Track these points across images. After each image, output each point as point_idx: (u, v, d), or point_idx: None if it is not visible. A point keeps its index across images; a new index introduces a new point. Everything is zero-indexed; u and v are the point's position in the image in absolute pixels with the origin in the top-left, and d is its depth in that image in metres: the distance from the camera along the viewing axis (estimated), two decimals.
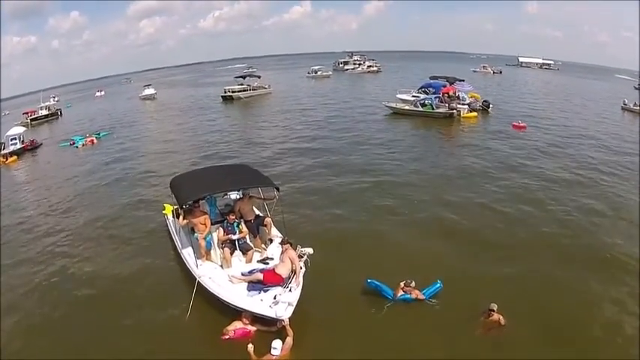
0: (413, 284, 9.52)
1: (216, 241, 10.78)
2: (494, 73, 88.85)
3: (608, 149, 23.84)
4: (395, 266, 10.80)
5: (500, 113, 34.49)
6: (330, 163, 21.68)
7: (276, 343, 7.77)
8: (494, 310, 8.54)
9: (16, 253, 13.61)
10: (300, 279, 9.25)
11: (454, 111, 32.37)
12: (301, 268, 9.52)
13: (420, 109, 33.64)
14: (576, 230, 13.24)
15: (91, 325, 9.34)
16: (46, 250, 13.66)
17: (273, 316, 8.29)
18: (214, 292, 9.22)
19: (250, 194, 11.69)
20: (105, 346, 8.64)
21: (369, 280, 9.73)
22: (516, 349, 7.99)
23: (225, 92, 53.17)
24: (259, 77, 61.66)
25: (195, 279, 9.68)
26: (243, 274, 9.64)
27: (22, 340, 9.14)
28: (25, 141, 33.06)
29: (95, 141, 32.76)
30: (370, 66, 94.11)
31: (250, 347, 7.81)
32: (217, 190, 11.40)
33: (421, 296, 9.44)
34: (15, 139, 32.09)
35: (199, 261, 10.27)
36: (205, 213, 10.93)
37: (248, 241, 11.03)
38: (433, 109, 33.18)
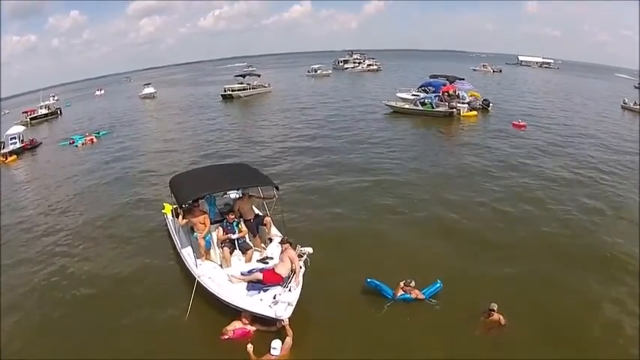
0: (413, 284, 9.51)
1: (215, 241, 10.77)
2: (494, 71, 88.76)
3: (608, 148, 23.84)
4: (395, 266, 10.78)
5: (500, 112, 34.46)
6: (329, 161, 21.67)
7: (276, 343, 7.75)
8: (494, 310, 8.53)
9: (15, 253, 13.60)
10: (300, 278, 9.23)
11: (454, 110, 32.32)
12: (301, 267, 9.50)
13: (420, 107, 33.60)
14: (576, 230, 13.23)
15: (91, 325, 9.33)
16: (46, 250, 13.64)
17: (273, 315, 8.28)
18: (214, 292, 9.20)
19: (250, 193, 11.67)
20: (104, 345, 8.63)
21: (368, 280, 9.72)
22: (516, 349, 7.98)
23: (225, 91, 53.13)
24: (259, 76, 61.54)
25: (195, 279, 9.66)
26: (242, 274, 9.62)
27: (22, 340, 9.12)
28: (24, 140, 33.00)
29: (95, 140, 32.71)
30: (370, 65, 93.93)
31: (250, 347, 7.80)
32: (217, 189, 11.37)
33: (421, 296, 9.43)
34: (14, 138, 32.02)
35: (199, 260, 10.25)
36: (205, 212, 10.92)
37: (247, 240, 11.01)
38: (433, 107, 33.15)
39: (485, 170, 19.50)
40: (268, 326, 8.51)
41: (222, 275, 9.78)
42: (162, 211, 13.66)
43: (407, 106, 34.89)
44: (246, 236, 10.99)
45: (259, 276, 9.16)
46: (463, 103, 33.68)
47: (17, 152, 30.92)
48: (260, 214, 11.96)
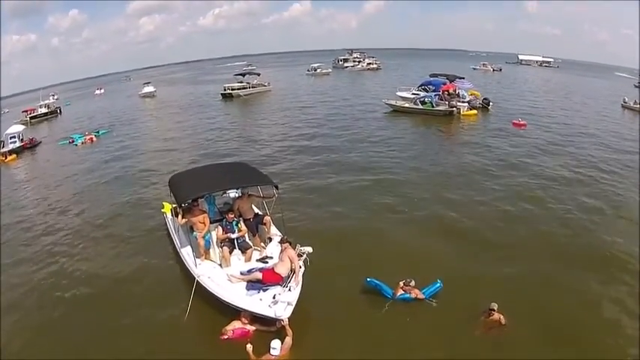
0: (412, 283, 9.49)
1: (215, 240, 10.74)
2: (494, 70, 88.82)
3: (608, 147, 23.81)
4: (395, 265, 10.77)
5: (500, 111, 34.44)
6: (329, 160, 21.65)
7: (275, 343, 7.73)
8: (494, 310, 8.52)
9: (15, 252, 13.58)
10: (300, 278, 9.22)
11: (454, 109, 32.28)
12: (300, 267, 9.49)
13: (420, 106, 33.57)
14: (576, 229, 13.21)
15: (91, 325, 9.31)
16: (46, 249, 13.63)
17: (273, 315, 8.26)
18: (213, 292, 9.18)
19: (249, 192, 11.65)
20: (104, 345, 8.61)
21: (368, 279, 9.71)
22: (516, 349, 7.97)
23: (225, 90, 53.15)
24: (259, 75, 61.49)
25: (194, 278, 9.64)
26: (242, 274, 9.59)
27: (22, 339, 9.10)
28: (24, 139, 32.96)
29: (94, 139, 32.69)
30: (370, 63, 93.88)
31: (249, 347, 7.78)
32: (216, 188, 11.36)
33: (421, 296, 9.41)
34: (14, 137, 31.99)
35: (198, 260, 10.24)
36: (204, 212, 10.89)
37: (247, 239, 10.98)
38: (433, 106, 33.12)
39: (485, 169, 19.49)
40: (268, 326, 8.49)
41: (221, 275, 9.76)
42: (162, 210, 13.68)
43: (407, 105, 34.87)
44: (246, 235, 10.96)
45: (259, 275, 9.14)
46: (463, 102, 33.66)
47: (17, 151, 30.88)
48: (259, 213, 11.94)
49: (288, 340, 7.94)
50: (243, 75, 59.87)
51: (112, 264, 12.20)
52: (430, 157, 22.32)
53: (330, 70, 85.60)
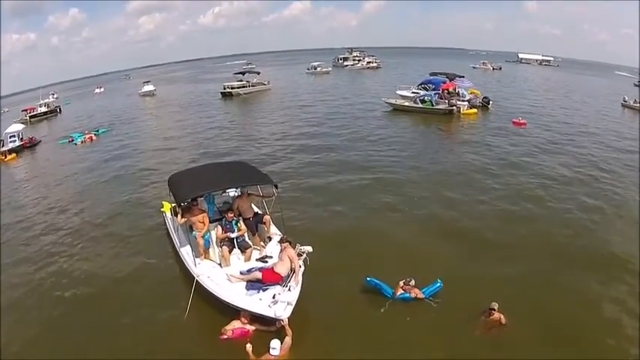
0: (412, 283, 9.47)
1: (214, 240, 10.73)
2: (493, 69, 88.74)
3: (608, 146, 23.77)
4: (394, 264, 10.75)
5: (500, 110, 34.37)
6: (329, 159, 21.62)
7: (275, 343, 7.72)
8: (494, 309, 8.50)
9: (15, 252, 13.57)
10: (300, 278, 9.21)
11: (454, 107, 32.23)
12: (300, 266, 9.48)
13: (420, 105, 33.52)
14: (576, 228, 13.17)
15: (91, 325, 9.30)
16: (46, 249, 13.62)
17: (272, 315, 8.24)
18: (213, 292, 9.17)
19: (249, 192, 11.62)
20: (104, 345, 8.60)
21: (368, 279, 9.69)
22: (516, 349, 7.95)
23: (225, 88, 53.14)
24: (258, 73, 61.47)
25: (194, 278, 9.63)
26: (241, 273, 9.57)
27: (22, 339, 9.08)
28: (23, 138, 32.94)
29: (94, 138, 32.68)
30: (370, 62, 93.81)
31: (249, 347, 7.78)
32: (215, 187, 11.32)
33: (421, 295, 9.39)
34: (14, 136, 31.98)
35: (198, 259, 10.22)
36: (203, 211, 10.86)
37: (247, 239, 10.95)
38: (433, 105, 33.06)
39: (485, 168, 19.46)
40: (267, 326, 8.47)
41: (221, 274, 9.74)
42: (161, 209, 13.69)
43: (407, 104, 34.85)
44: (245, 235, 10.93)
45: (258, 275, 9.12)
46: (463, 100, 33.59)
47: (16, 150, 30.86)
48: (259, 212, 11.92)
49: (288, 340, 7.92)
50: (243, 74, 59.93)
51: (111, 263, 12.19)
52: (430, 155, 22.29)
53: (329, 69, 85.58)
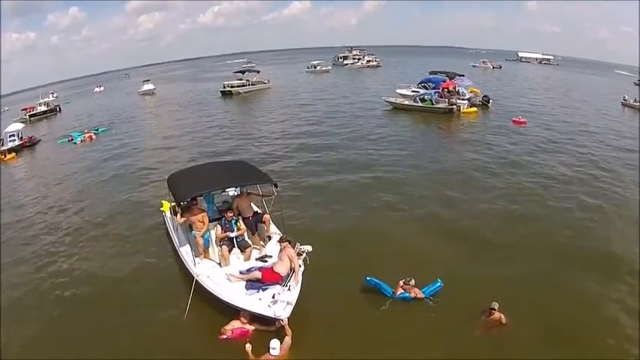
0: (412, 282, 9.45)
1: (214, 239, 10.70)
2: (493, 68, 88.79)
3: (608, 145, 23.76)
4: (394, 263, 10.73)
5: (500, 108, 34.36)
6: (328, 158, 21.60)
7: (275, 343, 7.70)
8: (495, 309, 8.49)
9: (15, 252, 13.56)
10: (299, 277, 9.19)
11: (454, 106, 32.20)
12: (300, 266, 9.46)
13: (420, 104, 33.50)
14: (576, 228, 13.16)
15: (90, 325, 9.29)
16: (45, 249, 13.61)
17: (272, 315, 8.22)
18: (212, 291, 9.15)
19: (248, 191, 11.59)
20: (104, 345, 8.58)
21: (368, 278, 9.68)
22: (516, 349, 7.94)
23: (224, 87, 53.04)
24: (258, 72, 61.32)
25: (194, 277, 9.61)
26: (241, 273, 9.55)
27: (22, 339, 9.08)
28: (23, 137, 32.92)
29: (94, 137, 32.66)
30: (370, 61, 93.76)
31: (248, 347, 7.76)
32: (215, 187, 11.30)
33: (420, 295, 9.38)
34: (13, 135, 31.95)
35: (197, 259, 10.21)
36: (203, 210, 10.85)
37: (246, 238, 10.93)
38: (433, 104, 33.03)
39: (485, 167, 19.45)
40: (267, 326, 8.46)
41: (220, 274, 9.73)
42: (161, 209, 13.68)
43: (406, 103, 34.84)
44: (245, 234, 10.91)
45: (258, 275, 9.11)
46: (463, 99, 33.58)
47: (16, 150, 30.84)
48: (259, 211, 11.91)
49: (288, 339, 7.90)
50: (243, 72, 59.76)
51: (111, 263, 12.17)
52: (430, 154, 22.28)
53: (329, 68, 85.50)
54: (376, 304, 9.35)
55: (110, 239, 13.84)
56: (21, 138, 32.55)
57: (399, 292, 9.40)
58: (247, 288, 9.04)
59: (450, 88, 34.55)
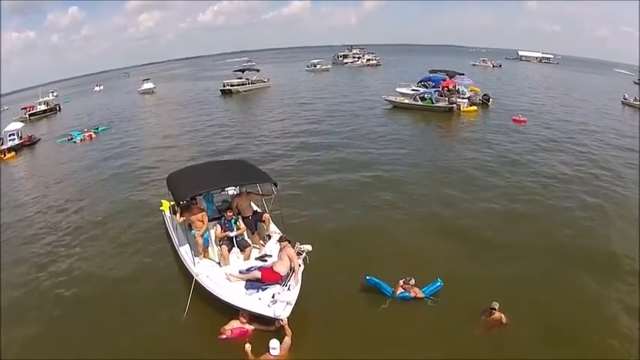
0: (412, 282, 9.43)
1: (213, 239, 10.67)
2: (493, 66, 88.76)
3: (608, 144, 23.75)
4: (394, 263, 10.72)
5: (500, 107, 34.34)
6: (328, 157, 21.57)
7: (274, 343, 7.67)
8: (495, 309, 8.47)
9: (15, 252, 13.54)
10: (299, 277, 9.17)
11: (454, 105, 32.19)
12: (300, 265, 9.44)
13: (420, 102, 33.50)
14: (576, 227, 13.14)
15: (90, 325, 9.28)
16: (45, 249, 13.58)
17: (272, 315, 8.20)
18: (212, 291, 9.14)
19: (248, 190, 11.56)
20: (103, 345, 8.57)
21: (368, 277, 9.67)
22: (516, 349, 7.92)
23: (224, 86, 53.02)
24: (258, 71, 61.34)
25: (193, 277, 9.59)
26: (241, 272, 9.53)
27: (22, 339, 9.06)
28: (23, 137, 32.93)
29: (93, 136, 32.65)
30: (369, 59, 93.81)
31: (248, 347, 7.74)
32: (214, 186, 11.27)
33: (420, 294, 9.36)
34: (13, 134, 32.00)
35: (197, 259, 10.19)
36: (202, 210, 10.82)
37: (246, 237, 10.90)
38: (433, 102, 33.03)
39: (485, 166, 19.44)
40: (267, 325, 8.44)
41: (220, 274, 9.71)
42: (160, 208, 13.65)
43: (406, 101, 34.80)
44: (245, 233, 10.88)
45: (258, 275, 9.09)
46: (463, 98, 33.58)
47: (16, 149, 30.85)
48: (258, 210, 11.88)
49: (287, 339, 7.88)
50: (243, 71, 59.68)
51: (110, 263, 12.15)
52: (430, 153, 22.28)
53: (329, 67, 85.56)
54: (376, 303, 9.33)
55: (110, 239, 13.83)
56: (21, 137, 32.58)
57: (399, 292, 9.39)
58: (247, 288, 9.01)
59: (450, 87, 34.60)
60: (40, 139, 34.62)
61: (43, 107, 53.14)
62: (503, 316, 8.42)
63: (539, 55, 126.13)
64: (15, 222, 16.20)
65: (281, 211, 11.56)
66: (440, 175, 18.29)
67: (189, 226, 10.68)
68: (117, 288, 10.76)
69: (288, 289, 8.85)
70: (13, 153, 29.98)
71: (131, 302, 10.00)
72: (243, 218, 11.03)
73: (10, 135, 31.76)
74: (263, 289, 8.88)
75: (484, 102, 34.74)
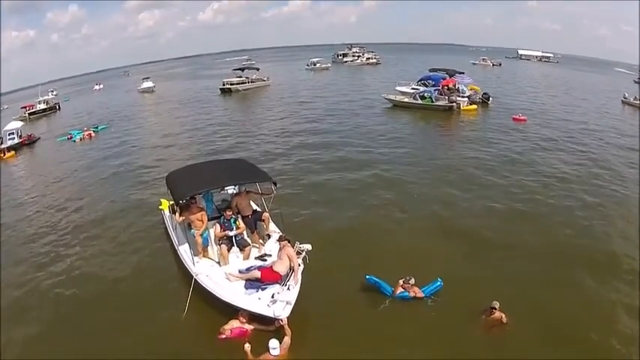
0: (412, 281, 9.42)
1: (213, 238, 10.65)
2: (493, 65, 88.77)
3: (608, 143, 23.71)
4: (394, 262, 10.70)
5: (500, 106, 34.33)
6: (328, 156, 21.54)
7: (274, 343, 7.65)
8: (495, 309, 8.46)
9: (15, 252, 13.51)
10: (299, 277, 9.15)
11: (454, 104, 32.18)
12: (300, 265, 9.42)
13: (420, 101, 33.48)
14: (576, 227, 13.12)
15: (90, 324, 9.26)
16: (45, 248, 13.55)
17: (271, 315, 8.18)
18: (211, 291, 9.12)
19: (247, 189, 11.54)
20: (103, 345, 8.55)
21: (367, 277, 9.66)
22: (517, 349, 7.91)
23: (224, 85, 53.00)
24: (258, 69, 61.29)
25: (192, 277, 9.57)
26: (240, 272, 9.51)
27: (22, 339, 9.05)
28: (22, 136, 32.91)
29: (93, 135, 32.60)
30: (369, 58, 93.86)
31: (247, 347, 7.73)
32: (214, 185, 11.25)
33: (420, 294, 9.34)
34: (13, 133, 31.99)
35: (196, 258, 10.18)
36: (202, 209, 10.81)
37: (245, 237, 10.86)
38: (433, 101, 33.02)
39: (485, 165, 19.42)
40: (266, 325, 8.42)
41: (219, 273, 9.69)
42: (160, 207, 13.62)
43: (406, 100, 34.75)
44: (244, 233, 10.84)
45: (257, 274, 9.08)
46: (463, 96, 33.55)
47: (15, 148, 30.84)
48: (258, 210, 11.86)
49: (287, 339, 7.86)
50: (242, 70, 59.65)
51: (110, 262, 12.14)
52: (429, 152, 22.25)
53: (329, 65, 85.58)
54: (376, 303, 9.32)
55: (109, 238, 13.80)
56: (20, 136, 32.58)
57: (398, 291, 9.37)
58: (246, 287, 9.00)
59: (450, 86, 34.54)
60: (39, 138, 34.60)
61: (42, 106, 53.09)
62: (503, 315, 8.41)
63: (539, 53, 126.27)
64: (15, 221, 16.18)
65: (280, 210, 11.56)
66: (440, 174, 18.26)
67: (189, 225, 10.66)
68: (116, 287, 10.75)
69: (288, 288, 8.83)
70: (12, 152, 29.96)
71: (131, 302, 9.99)
72: (243, 217, 11.01)
73: (9, 134, 31.76)
74: (263, 289, 8.86)
75: (484, 101, 34.71)
